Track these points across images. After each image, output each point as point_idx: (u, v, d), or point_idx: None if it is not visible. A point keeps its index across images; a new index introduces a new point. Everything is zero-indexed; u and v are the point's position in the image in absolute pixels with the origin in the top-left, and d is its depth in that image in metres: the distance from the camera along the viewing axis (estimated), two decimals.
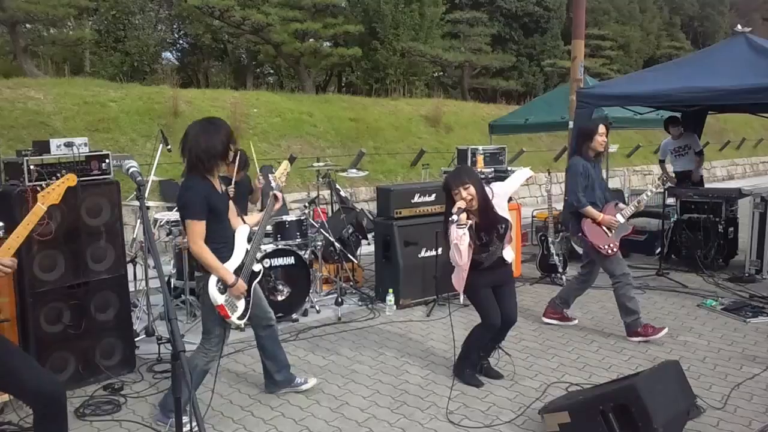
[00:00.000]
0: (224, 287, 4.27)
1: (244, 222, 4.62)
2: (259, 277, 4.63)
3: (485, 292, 5.02)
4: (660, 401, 3.85)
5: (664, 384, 4.04)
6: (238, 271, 4.37)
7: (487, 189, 4.88)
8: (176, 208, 6.83)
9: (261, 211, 7.06)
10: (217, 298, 4.24)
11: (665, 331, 5.94)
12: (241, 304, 4.40)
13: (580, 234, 6.10)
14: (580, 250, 9.67)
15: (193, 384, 4.34)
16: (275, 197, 4.62)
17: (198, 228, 4.20)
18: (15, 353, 3.53)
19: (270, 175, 4.87)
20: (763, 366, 5.39)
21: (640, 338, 5.99)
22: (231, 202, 4.57)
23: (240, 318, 4.40)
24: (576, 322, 6.59)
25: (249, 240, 4.55)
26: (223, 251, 4.35)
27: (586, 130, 6.26)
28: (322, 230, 7.58)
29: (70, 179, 3.73)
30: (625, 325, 6.09)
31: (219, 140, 4.24)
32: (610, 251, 5.96)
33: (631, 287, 6.04)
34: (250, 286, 4.49)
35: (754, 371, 5.29)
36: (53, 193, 3.63)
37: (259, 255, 4.88)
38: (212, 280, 4.25)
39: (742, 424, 4.41)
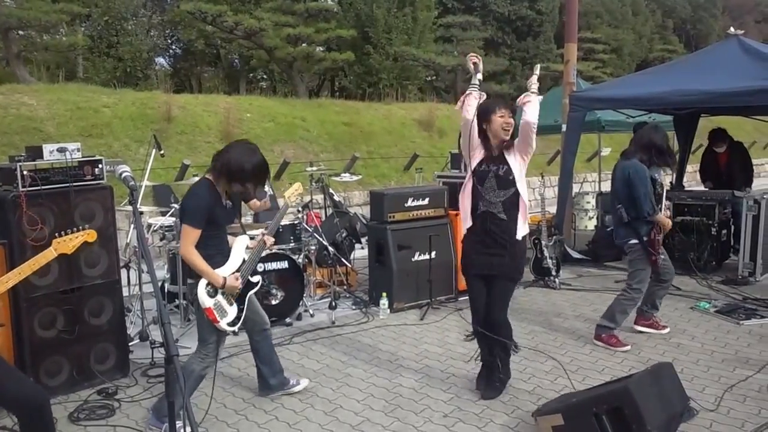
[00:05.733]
0: (214, 291, 4.29)
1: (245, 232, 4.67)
2: (256, 288, 4.65)
3: (474, 284, 4.95)
4: (653, 403, 3.86)
5: (657, 386, 4.05)
6: None
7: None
8: (170, 212, 6.89)
9: (256, 221, 7.11)
10: (206, 301, 4.25)
11: (628, 348, 5.93)
12: (232, 311, 4.41)
13: (645, 239, 5.88)
14: (574, 254, 9.76)
15: (189, 389, 4.35)
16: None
17: (192, 235, 4.22)
18: None
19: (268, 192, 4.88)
20: (756, 368, 5.42)
21: (602, 344, 6.03)
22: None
23: (230, 325, 4.40)
24: (668, 330, 6.41)
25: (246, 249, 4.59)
26: (217, 258, 4.37)
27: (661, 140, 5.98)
28: (315, 234, 7.58)
29: (90, 235, 3.77)
30: (598, 326, 6.11)
31: (252, 167, 4.30)
32: (660, 256, 5.96)
33: (634, 305, 6.09)
34: (245, 294, 4.52)
35: (747, 373, 5.31)
36: (69, 243, 3.68)
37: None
38: (202, 283, 4.28)
39: (735, 426, 4.43)
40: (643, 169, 5.89)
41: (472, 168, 4.83)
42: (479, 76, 4.82)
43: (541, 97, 4.76)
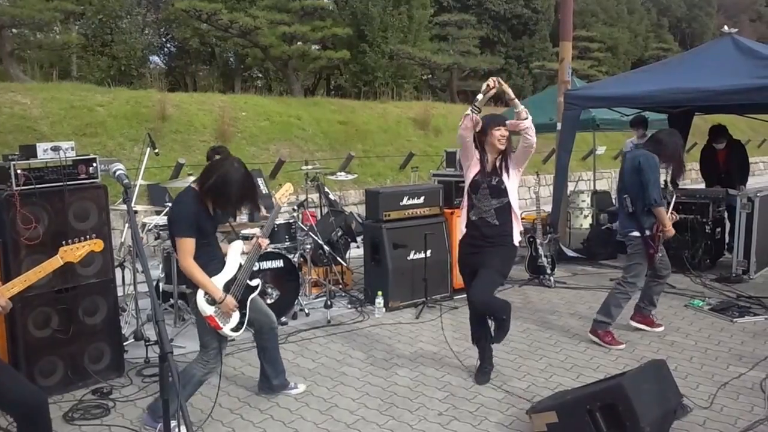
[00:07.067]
0: (213, 299, 4.29)
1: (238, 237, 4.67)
2: (257, 291, 4.64)
3: (469, 283, 5.18)
4: (647, 400, 3.87)
5: (651, 383, 4.06)
6: (229, 285, 4.40)
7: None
8: (164, 212, 6.88)
9: (251, 221, 7.09)
10: (206, 309, 4.25)
11: (623, 346, 5.95)
12: (235, 316, 4.41)
13: (647, 233, 5.89)
14: (569, 252, 9.77)
15: (186, 393, 4.35)
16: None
17: (187, 245, 4.21)
18: None
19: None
20: (750, 365, 5.43)
21: (597, 339, 6.05)
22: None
23: (234, 330, 4.40)
24: (662, 328, 6.39)
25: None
26: (211, 265, 4.36)
27: (678, 150, 6.03)
28: (311, 233, 7.58)
29: (97, 245, 3.79)
30: (595, 321, 6.12)
31: (236, 195, 4.30)
32: (658, 253, 5.99)
33: (628, 299, 6.09)
34: (245, 299, 4.51)
35: (740, 370, 5.33)
36: (76, 252, 3.70)
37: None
38: (201, 292, 4.26)
39: (728, 423, 4.44)
40: (653, 158, 5.89)
41: (469, 181, 5.09)
42: (481, 98, 4.90)
43: (530, 118, 4.97)
